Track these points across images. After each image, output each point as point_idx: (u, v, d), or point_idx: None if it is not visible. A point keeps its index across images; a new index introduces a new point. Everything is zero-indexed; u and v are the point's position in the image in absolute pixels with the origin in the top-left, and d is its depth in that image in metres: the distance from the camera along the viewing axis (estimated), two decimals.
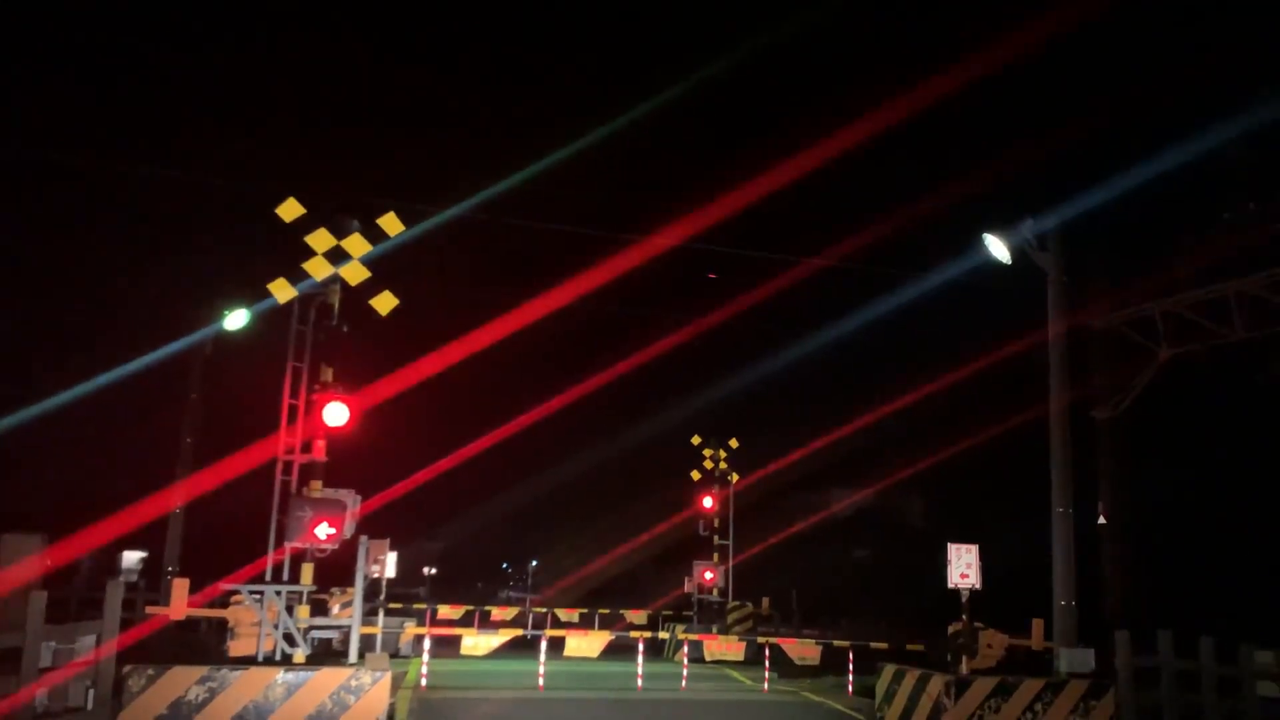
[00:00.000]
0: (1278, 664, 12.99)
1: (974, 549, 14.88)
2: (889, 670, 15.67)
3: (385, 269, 12.81)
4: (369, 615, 18.64)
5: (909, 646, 19.15)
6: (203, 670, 11.22)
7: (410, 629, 21.90)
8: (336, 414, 12.49)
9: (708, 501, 27.42)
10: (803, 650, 20.05)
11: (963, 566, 14.76)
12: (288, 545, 12.34)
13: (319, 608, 19.05)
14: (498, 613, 28.22)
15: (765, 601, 27.54)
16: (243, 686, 11.21)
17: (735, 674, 21.48)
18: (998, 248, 16.72)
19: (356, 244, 12.60)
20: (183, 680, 11.06)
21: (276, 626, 12.25)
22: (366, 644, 17.50)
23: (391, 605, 22.45)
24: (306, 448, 12.70)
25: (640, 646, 18.54)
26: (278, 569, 12.47)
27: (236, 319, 22.08)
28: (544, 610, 28.11)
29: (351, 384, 12.88)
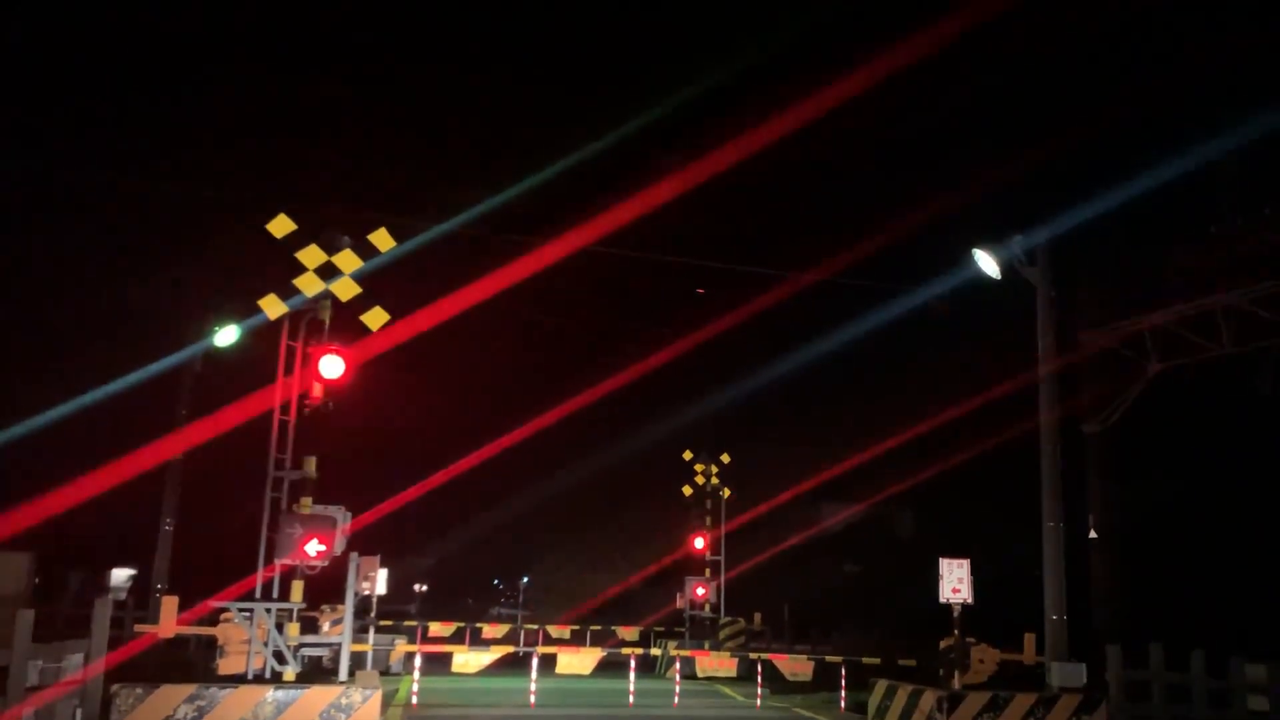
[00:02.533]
0: (1268, 677, 12.99)
1: (965, 564, 14.90)
2: (881, 686, 15.65)
3: (373, 282, 12.81)
4: (359, 632, 18.55)
5: (901, 661, 19.13)
6: (191, 689, 11.15)
7: (401, 646, 21.80)
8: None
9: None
10: (795, 666, 20.04)
11: (954, 581, 14.77)
12: (278, 562, 12.29)
13: (309, 625, 18.95)
14: (489, 630, 28.09)
15: (757, 617, 27.48)
16: (232, 705, 11.15)
17: (727, 690, 21.42)
18: (987, 263, 16.80)
19: (347, 260, 12.60)
20: (171, 699, 10.99)
21: (266, 644, 12.18)
22: (357, 661, 17.40)
23: (382, 622, 22.35)
24: (298, 464, 12.65)
25: (632, 663, 18.49)
26: (268, 586, 12.41)
27: (227, 335, 22.03)
28: (535, 627, 28.00)
29: (341, 399, 12.85)
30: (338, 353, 12.50)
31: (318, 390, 12.54)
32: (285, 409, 12.81)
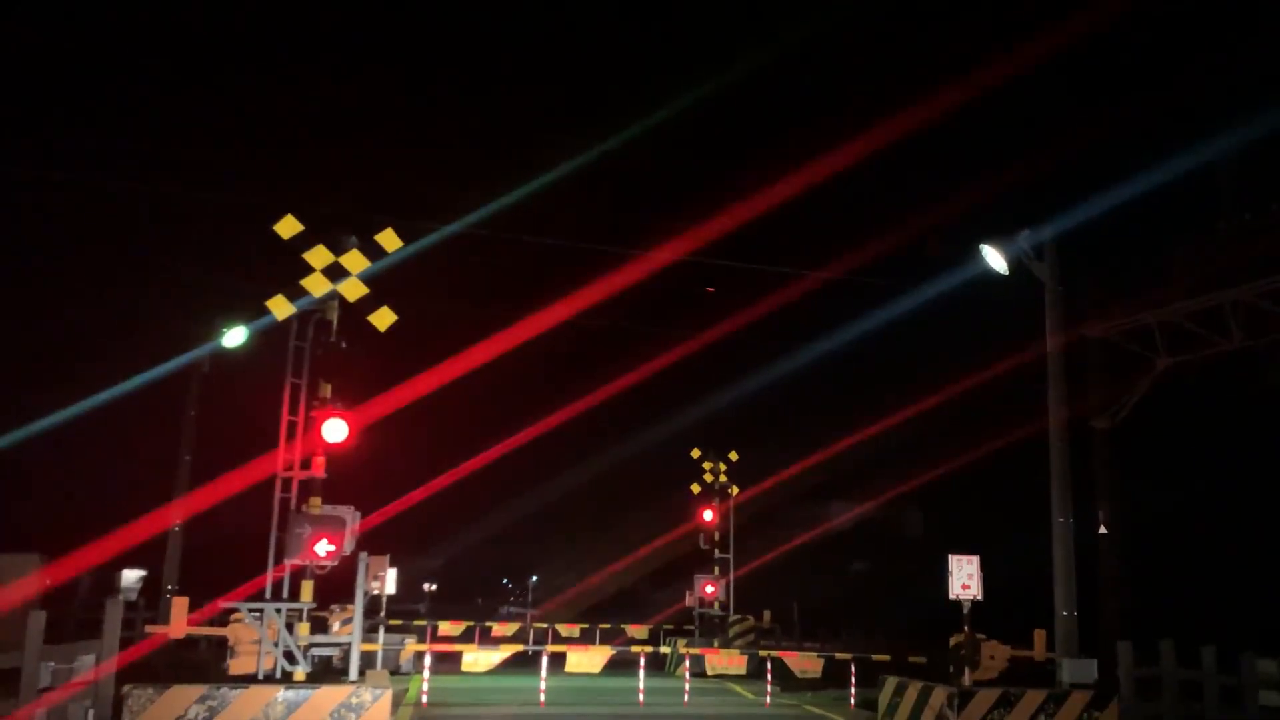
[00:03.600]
0: (1279, 672, 12.97)
1: (975, 560, 14.86)
2: (891, 683, 15.63)
3: (385, 285, 12.82)
4: (369, 632, 18.58)
5: (911, 658, 19.10)
6: (202, 689, 11.19)
7: (411, 646, 21.82)
8: (335, 430, 12.49)
9: (708, 515, 27.40)
10: (804, 663, 19.98)
11: (964, 578, 14.74)
12: (287, 562, 12.32)
13: (319, 625, 19.01)
14: (498, 629, 28.10)
15: (766, 615, 27.46)
16: (243, 705, 11.18)
17: (737, 688, 21.41)
18: (995, 259, 16.78)
19: (355, 260, 12.61)
20: (182, 699, 11.03)
21: (276, 644, 12.21)
22: (367, 661, 17.44)
23: (391, 622, 22.37)
24: (306, 464, 12.68)
25: (642, 661, 18.48)
26: (277, 586, 12.44)
27: (235, 336, 22.10)
28: (545, 626, 28.01)
29: (350, 400, 12.88)
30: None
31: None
32: (293, 409, 12.83)
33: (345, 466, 12.90)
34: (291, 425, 12.78)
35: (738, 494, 27.92)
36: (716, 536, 27.50)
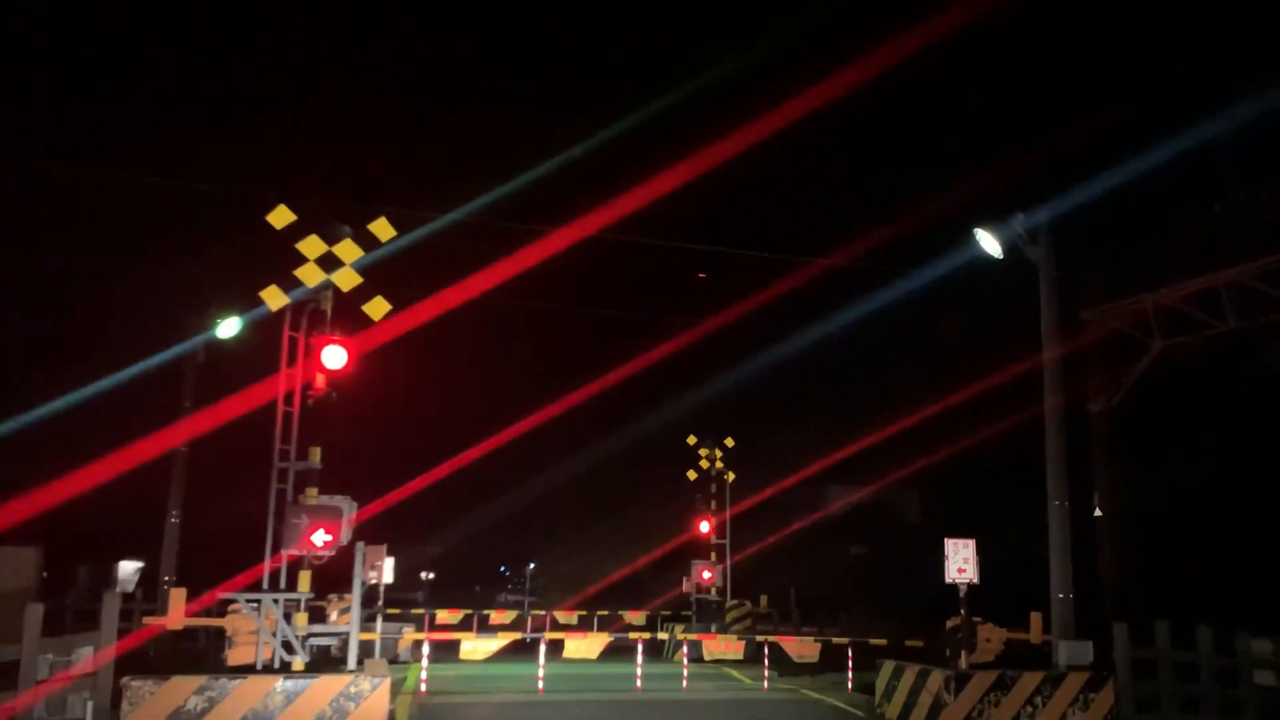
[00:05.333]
0: (1275, 653, 13.01)
1: (971, 544, 14.90)
2: (888, 666, 15.69)
3: (379, 274, 12.78)
4: (367, 621, 18.60)
5: (908, 642, 19.17)
6: (201, 680, 11.20)
7: (409, 634, 21.87)
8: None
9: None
10: (802, 648, 20.05)
11: (960, 561, 14.78)
12: (284, 553, 12.32)
13: (317, 615, 19.02)
14: (496, 616, 28.18)
15: (763, 600, 27.55)
16: (242, 695, 11.19)
17: (735, 673, 21.49)
18: (989, 242, 16.74)
19: (348, 250, 12.57)
20: (182, 690, 11.04)
21: (275, 634, 12.22)
22: (365, 650, 17.45)
23: (389, 611, 22.42)
24: (302, 453, 12.64)
25: (639, 647, 18.54)
26: (275, 576, 12.44)
27: (229, 327, 22.03)
28: (542, 613, 28.08)
29: (344, 391, 12.83)
30: (340, 343, 12.48)
31: (320, 381, 12.52)
32: (289, 399, 12.80)
33: (342, 456, 12.89)
34: (287, 415, 12.75)
35: (733, 480, 27.95)
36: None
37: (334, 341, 12.47)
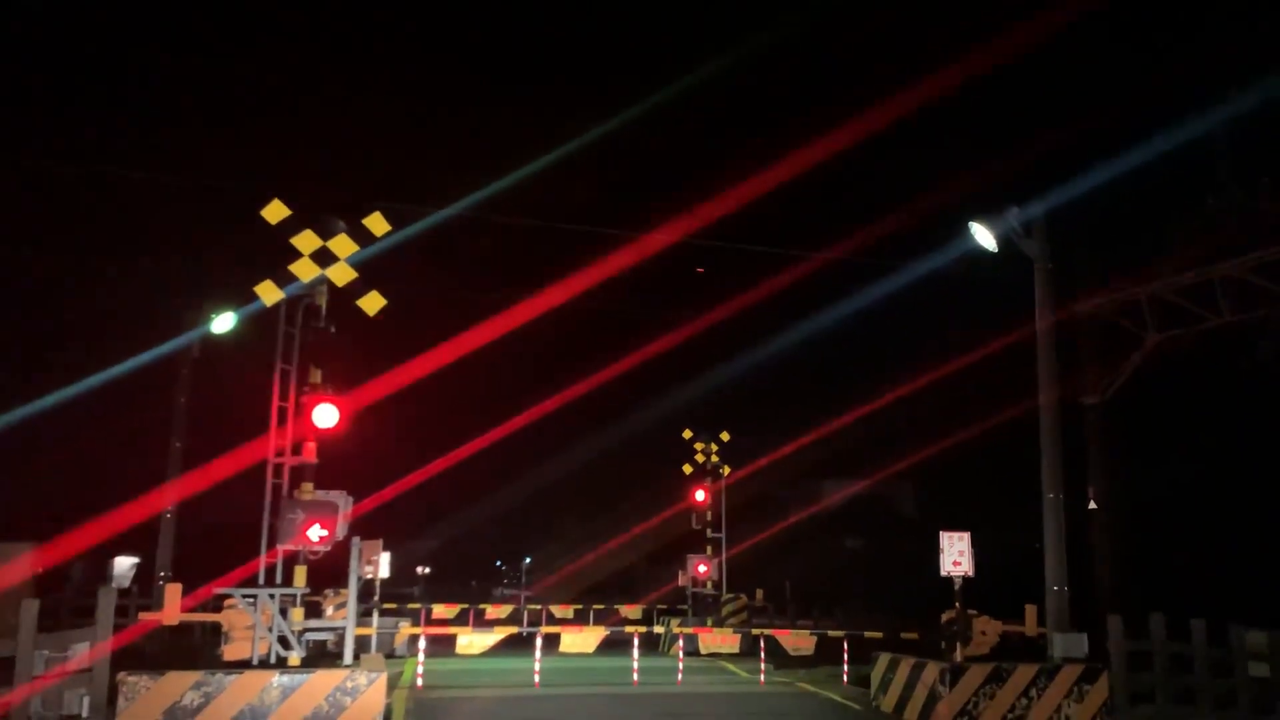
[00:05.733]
0: (1269, 645, 13.06)
1: (966, 536, 14.92)
2: (884, 659, 15.72)
3: (374, 269, 12.76)
4: (363, 616, 18.62)
5: (903, 635, 19.24)
6: (197, 675, 11.19)
7: (405, 629, 21.87)
8: (326, 416, 12.45)
9: (700, 495, 27.45)
10: (797, 641, 20.14)
11: (955, 554, 14.79)
12: (280, 548, 12.31)
13: (313, 610, 19.02)
14: (492, 611, 28.20)
15: (759, 593, 27.59)
16: (238, 690, 11.19)
17: (731, 666, 21.52)
18: (984, 236, 16.74)
19: (343, 245, 12.54)
20: (178, 685, 11.03)
21: (271, 629, 12.22)
22: (361, 645, 17.48)
23: (386, 605, 22.41)
24: (297, 450, 12.65)
25: (635, 641, 18.56)
26: (270, 571, 12.43)
27: (224, 322, 21.99)
28: (539, 607, 28.11)
29: (341, 385, 12.83)
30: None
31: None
32: (284, 395, 12.79)
33: (337, 452, 12.88)
34: (282, 411, 12.74)
35: (729, 474, 27.97)
36: (709, 516, 27.56)
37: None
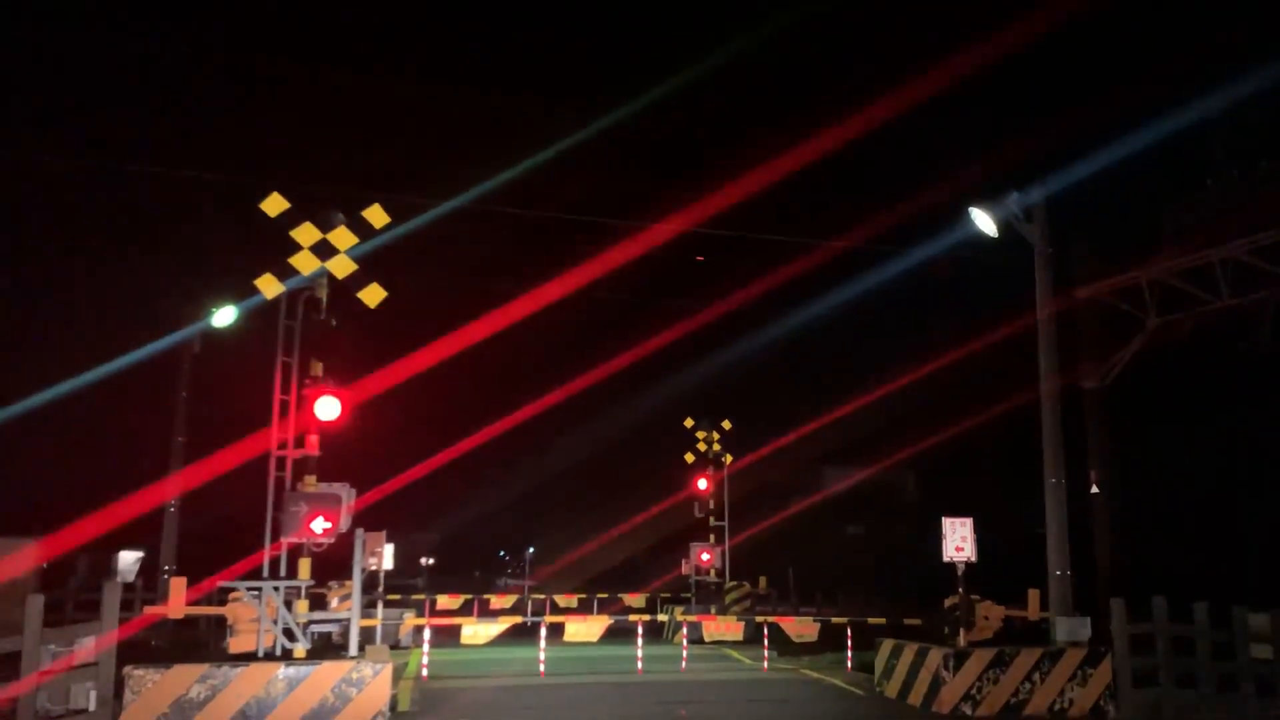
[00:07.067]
0: (1271, 626, 13.09)
1: (968, 522, 14.95)
2: (887, 645, 15.77)
3: (375, 261, 12.76)
4: (368, 608, 18.64)
5: (906, 621, 19.27)
6: (204, 668, 11.23)
7: (410, 620, 21.92)
8: (328, 408, 12.47)
9: (702, 483, 27.47)
10: (801, 628, 20.13)
11: (958, 540, 14.83)
12: (284, 540, 12.33)
13: (317, 602, 19.07)
14: (496, 601, 28.27)
15: (762, 581, 27.64)
16: (244, 683, 11.23)
17: (735, 654, 21.58)
18: (984, 221, 16.72)
19: (343, 237, 12.53)
20: (184, 678, 11.08)
21: (276, 622, 12.26)
22: (366, 636, 17.49)
23: (390, 597, 22.46)
24: (299, 442, 12.67)
25: (639, 629, 18.62)
26: (275, 564, 12.47)
27: (224, 316, 21.98)
28: (543, 597, 28.17)
29: (343, 378, 12.85)
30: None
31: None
32: (285, 389, 12.79)
33: (340, 444, 12.90)
34: (284, 404, 12.76)
35: (731, 462, 27.98)
36: (711, 504, 27.58)
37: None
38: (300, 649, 12.23)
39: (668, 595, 28.80)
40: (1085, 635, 14.94)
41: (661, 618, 26.54)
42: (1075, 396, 21.16)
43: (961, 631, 15.01)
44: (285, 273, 12.39)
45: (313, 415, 12.46)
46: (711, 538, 27.28)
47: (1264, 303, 19.39)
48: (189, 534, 24.42)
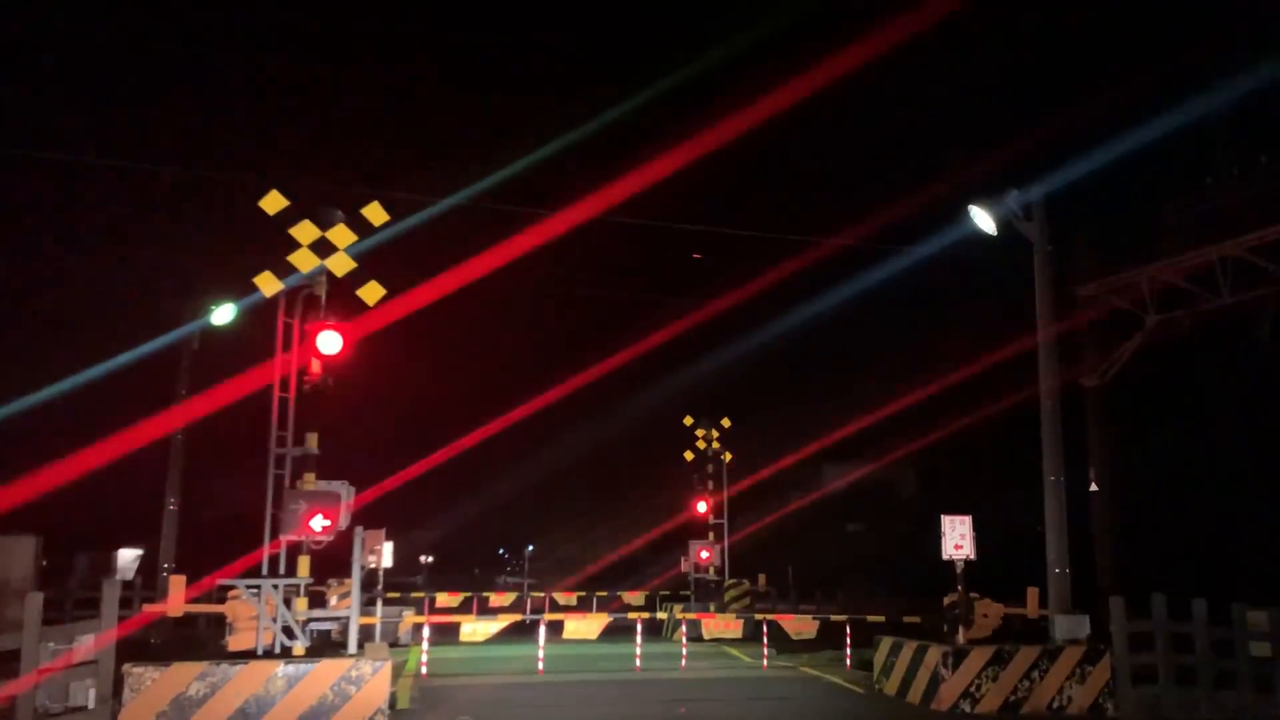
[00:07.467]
0: (1269, 623, 13.09)
1: (968, 520, 14.94)
2: (886, 642, 15.78)
3: (377, 258, 12.75)
4: (367, 605, 18.62)
5: (905, 618, 19.28)
6: (203, 666, 11.23)
7: (409, 618, 21.91)
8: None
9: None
10: (800, 625, 20.14)
11: (957, 538, 14.82)
12: (283, 538, 12.33)
13: (317, 600, 19.05)
14: (496, 598, 28.27)
15: (761, 578, 27.64)
16: (243, 681, 11.23)
17: (734, 651, 21.59)
18: (984, 219, 16.70)
19: (341, 235, 12.52)
20: (183, 676, 11.08)
21: (275, 620, 12.26)
22: (365, 634, 17.47)
23: (389, 595, 22.45)
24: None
25: (639, 627, 18.62)
26: (274, 562, 12.46)
27: (223, 314, 21.97)
28: (541, 594, 28.17)
29: (342, 373, 12.82)
30: (335, 328, 12.45)
31: (316, 366, 12.49)
32: (285, 386, 12.77)
33: (340, 442, 12.88)
34: (283, 402, 12.73)
35: (730, 460, 27.97)
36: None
37: (329, 327, 12.44)
38: (299, 647, 12.23)
39: (667, 593, 28.80)
40: (1084, 633, 14.94)
41: (661, 615, 26.54)
42: (1075, 394, 21.17)
43: (961, 629, 15.01)
44: (284, 270, 12.37)
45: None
46: (711, 535, 27.29)
47: (1263, 300, 19.39)
48: (189, 532, 24.42)
